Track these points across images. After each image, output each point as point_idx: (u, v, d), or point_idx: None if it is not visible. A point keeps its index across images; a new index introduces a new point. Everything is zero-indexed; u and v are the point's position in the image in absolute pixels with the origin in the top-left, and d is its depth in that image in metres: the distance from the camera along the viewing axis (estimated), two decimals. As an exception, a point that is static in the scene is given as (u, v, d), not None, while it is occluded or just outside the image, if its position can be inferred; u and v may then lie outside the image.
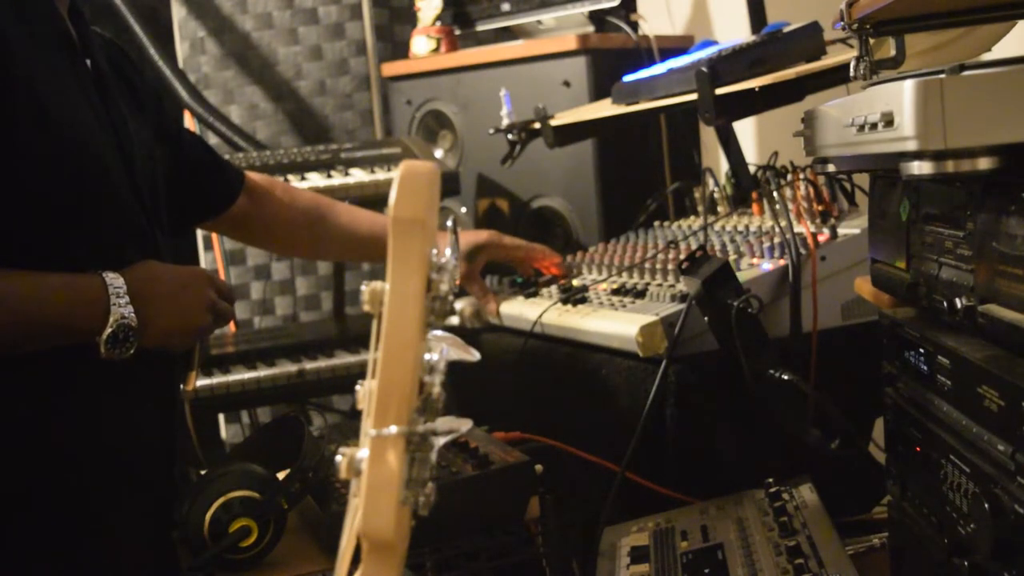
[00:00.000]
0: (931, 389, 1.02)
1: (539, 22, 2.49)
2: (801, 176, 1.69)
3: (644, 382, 1.48)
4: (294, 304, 2.98)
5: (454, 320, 0.68)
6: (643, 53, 2.28)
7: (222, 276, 2.75)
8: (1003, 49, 1.25)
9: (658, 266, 1.69)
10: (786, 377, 1.40)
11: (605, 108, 1.98)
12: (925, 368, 1.04)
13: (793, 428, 1.43)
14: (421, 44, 2.63)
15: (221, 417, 2.77)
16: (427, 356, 0.65)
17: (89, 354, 1.24)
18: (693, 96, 1.65)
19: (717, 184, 1.90)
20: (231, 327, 2.60)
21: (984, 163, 0.87)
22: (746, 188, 1.84)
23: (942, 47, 1.27)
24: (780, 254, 1.57)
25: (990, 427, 0.88)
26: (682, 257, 1.49)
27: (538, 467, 1.40)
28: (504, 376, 1.77)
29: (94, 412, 1.30)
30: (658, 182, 2.29)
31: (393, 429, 0.64)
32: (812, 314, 1.52)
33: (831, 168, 1.17)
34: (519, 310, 1.78)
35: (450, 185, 2.34)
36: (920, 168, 0.89)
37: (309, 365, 2.14)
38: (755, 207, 1.81)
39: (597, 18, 2.36)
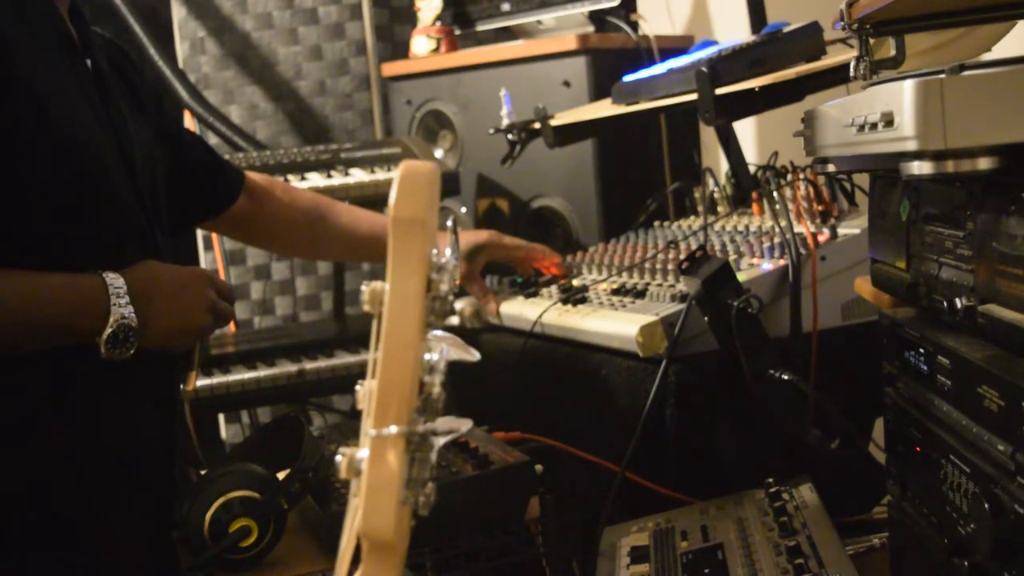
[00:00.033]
0: (931, 389, 1.02)
1: (539, 22, 2.48)
2: (801, 176, 1.69)
3: (644, 382, 1.48)
4: (294, 304, 2.98)
5: (454, 320, 0.68)
6: (643, 53, 2.27)
7: (222, 276, 2.75)
8: (1003, 49, 1.25)
9: (658, 266, 1.69)
10: (786, 377, 1.40)
11: (605, 108, 1.98)
12: (925, 368, 1.04)
13: (793, 428, 1.43)
14: (421, 44, 2.63)
15: (221, 417, 2.77)
16: (427, 356, 0.65)
17: (89, 354, 1.24)
18: (693, 96, 1.65)
19: (717, 184, 1.90)
20: (231, 327, 2.60)
21: (984, 163, 0.87)
22: (746, 188, 1.84)
23: (942, 47, 1.27)
24: (780, 254, 1.57)
25: (990, 427, 0.88)
26: (682, 257, 1.49)
27: (538, 467, 1.40)
28: (504, 376, 1.77)
29: (94, 412, 1.30)
30: (658, 182, 2.29)
31: (393, 429, 0.64)
32: (812, 314, 1.52)
33: (831, 168, 1.17)
34: (519, 310, 1.78)
35: (450, 185, 2.34)
36: (920, 168, 0.89)
37: (309, 365, 2.14)
38: (755, 207, 1.81)
39: (597, 18, 2.36)
